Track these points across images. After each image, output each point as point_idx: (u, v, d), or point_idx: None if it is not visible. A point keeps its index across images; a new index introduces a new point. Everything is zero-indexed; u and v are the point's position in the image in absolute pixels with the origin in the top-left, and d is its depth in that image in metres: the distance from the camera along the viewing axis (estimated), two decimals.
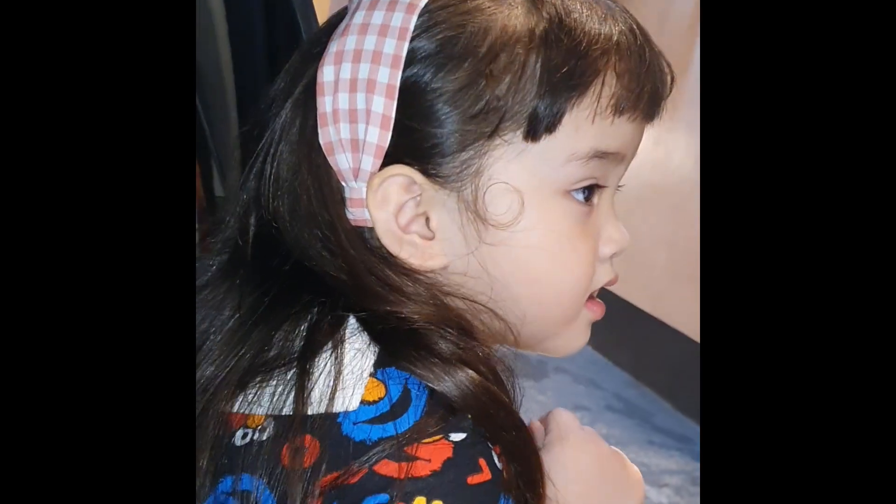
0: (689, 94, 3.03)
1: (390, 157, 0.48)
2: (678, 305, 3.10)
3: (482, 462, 0.43)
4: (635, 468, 0.61)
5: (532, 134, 0.47)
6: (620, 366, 3.40)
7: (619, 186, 0.55)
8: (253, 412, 0.46)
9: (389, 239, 0.49)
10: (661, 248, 3.17)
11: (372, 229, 0.49)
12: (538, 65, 0.46)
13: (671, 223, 3.12)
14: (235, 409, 0.46)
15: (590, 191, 0.50)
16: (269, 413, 0.45)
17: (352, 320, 0.47)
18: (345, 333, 0.47)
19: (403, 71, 0.47)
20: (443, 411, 0.44)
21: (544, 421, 0.58)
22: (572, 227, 0.50)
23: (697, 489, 2.57)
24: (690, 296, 3.04)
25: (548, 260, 0.50)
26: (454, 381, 0.44)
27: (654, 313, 3.22)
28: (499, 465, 0.44)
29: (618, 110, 0.48)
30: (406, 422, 0.43)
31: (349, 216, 0.49)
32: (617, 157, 0.51)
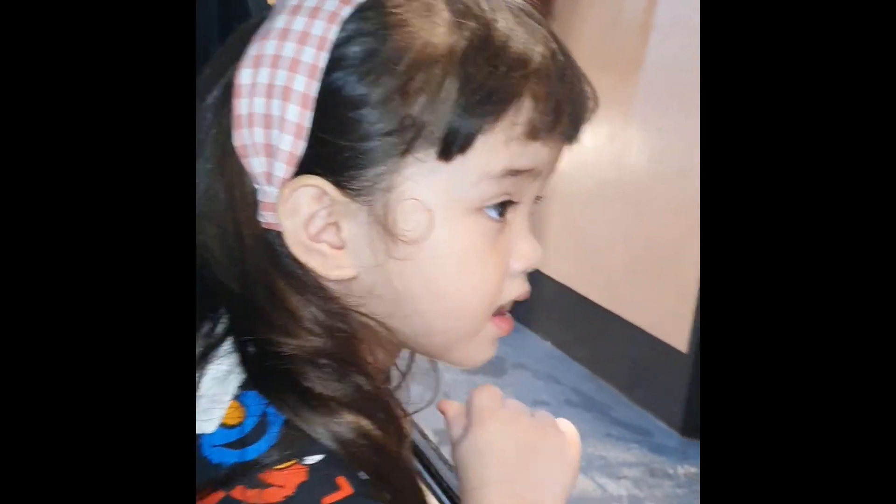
0: (644, 92, 3.07)
1: (304, 166, 0.48)
2: (635, 300, 3.14)
3: (340, 480, 0.43)
4: (567, 427, 0.61)
5: (445, 154, 0.47)
6: (579, 360, 3.44)
7: (537, 198, 0.55)
8: None
9: (298, 248, 0.48)
10: (618, 244, 3.20)
11: (281, 234, 0.49)
12: (455, 86, 0.46)
13: (627, 219, 3.16)
14: None
15: (503, 207, 0.50)
16: None
17: (227, 342, 0.48)
18: (216, 353, 0.47)
19: (325, 77, 0.47)
20: (297, 436, 0.44)
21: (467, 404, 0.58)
22: (482, 244, 0.50)
23: (656, 481, 2.60)
24: (647, 290, 3.08)
25: (454, 276, 0.50)
26: (327, 429, 0.45)
27: (611, 308, 3.25)
28: (365, 478, 0.44)
29: (532, 135, 0.49)
30: (260, 448, 0.43)
31: (261, 219, 0.49)
32: (532, 174, 0.51)
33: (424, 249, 0.48)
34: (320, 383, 0.46)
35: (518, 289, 0.54)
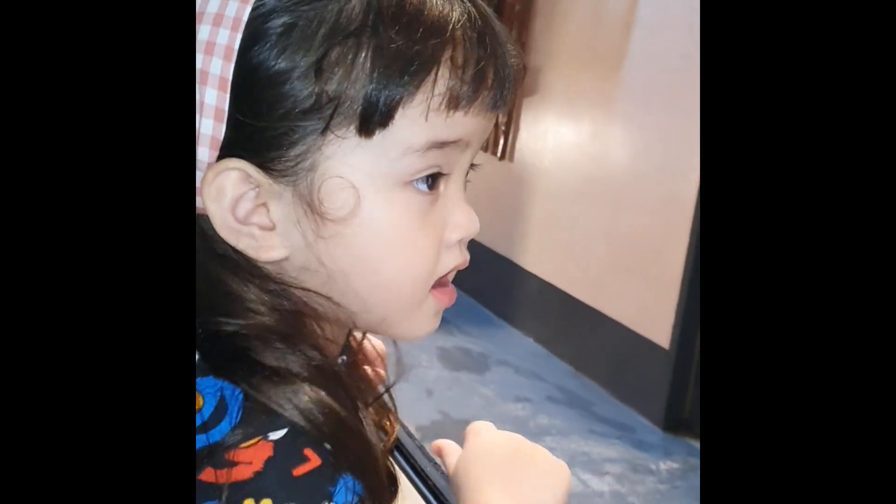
0: (626, 89, 3.07)
1: (226, 150, 0.48)
2: (617, 296, 3.15)
3: (308, 451, 0.43)
4: (560, 461, 0.61)
5: (365, 129, 0.47)
6: (562, 357, 3.44)
7: (473, 166, 0.55)
8: None
9: (226, 231, 0.48)
10: (600, 241, 3.21)
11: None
12: (369, 59, 0.46)
13: (609, 215, 3.17)
14: None
15: (433, 179, 0.50)
16: None
17: None
18: None
19: (241, 58, 0.46)
20: (258, 413, 0.44)
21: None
22: (413, 217, 0.50)
23: (638, 476, 2.62)
24: (629, 287, 3.09)
25: (387, 251, 0.50)
26: (287, 400, 0.45)
27: (593, 305, 3.26)
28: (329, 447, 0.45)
29: (454, 105, 0.48)
30: (222, 429, 0.43)
31: (197, 203, 0.49)
32: (459, 145, 0.50)
33: (354, 227, 0.49)
34: (272, 357, 0.47)
35: (455, 259, 0.54)
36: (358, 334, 0.67)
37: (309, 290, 0.50)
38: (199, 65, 0.47)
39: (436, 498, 0.79)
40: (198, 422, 0.44)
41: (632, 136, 3.04)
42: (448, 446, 0.62)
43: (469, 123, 0.50)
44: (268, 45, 0.46)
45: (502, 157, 3.77)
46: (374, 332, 0.59)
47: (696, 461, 2.65)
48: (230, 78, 0.46)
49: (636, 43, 3.02)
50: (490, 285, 3.95)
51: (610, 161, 3.14)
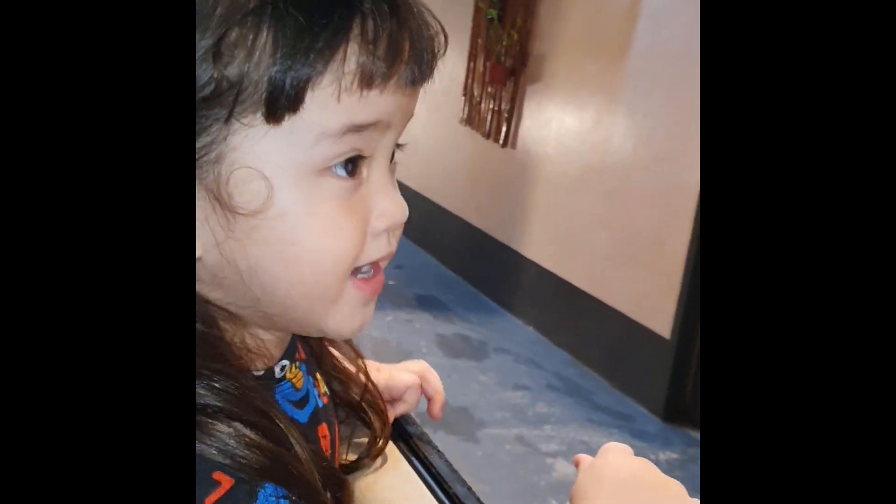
0: (630, 78, 3.06)
1: None
2: (616, 285, 3.14)
3: (217, 475, 0.42)
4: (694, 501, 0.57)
5: (272, 115, 0.44)
6: (560, 345, 3.44)
7: (399, 146, 0.52)
8: None
9: None
10: (600, 229, 3.21)
11: None
12: (270, 38, 0.43)
13: (610, 204, 3.16)
14: None
15: (353, 164, 0.47)
16: None
17: None
18: None
19: None
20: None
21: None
22: (333, 205, 0.47)
23: None
24: (628, 276, 3.08)
25: (305, 242, 0.47)
26: (210, 444, 0.43)
27: (593, 293, 3.26)
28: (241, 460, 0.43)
29: (367, 83, 0.45)
30: None
31: None
32: (379, 127, 0.47)
33: (268, 220, 0.46)
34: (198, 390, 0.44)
35: (381, 249, 0.51)
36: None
37: (219, 304, 0.48)
38: None
39: (438, 485, 0.79)
40: None
41: (635, 125, 3.03)
42: (584, 460, 0.60)
43: (387, 102, 0.47)
44: None
45: (504, 144, 3.76)
46: (305, 334, 0.56)
47: (696, 451, 2.65)
48: None
49: (641, 32, 3.00)
50: (490, 273, 3.94)
51: (613, 149, 3.13)
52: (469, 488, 0.78)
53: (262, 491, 0.42)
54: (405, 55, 0.46)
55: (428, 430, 0.91)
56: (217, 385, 0.45)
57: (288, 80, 0.43)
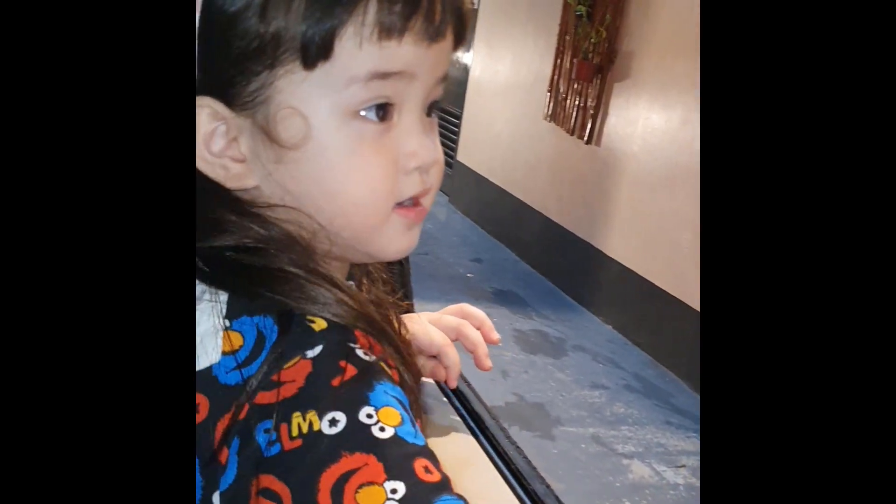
0: None
1: (200, 90, 0.53)
2: (699, 286, 3.08)
3: (343, 363, 0.47)
4: None
5: (307, 62, 0.51)
6: (640, 346, 3.40)
7: (437, 103, 0.58)
8: None
9: (202, 163, 0.54)
10: (686, 229, 3.15)
11: None
12: None
13: (696, 204, 3.10)
14: None
15: (383, 110, 0.54)
16: None
17: (198, 286, 0.52)
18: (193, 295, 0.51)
19: (207, 7, 0.51)
20: (293, 337, 0.48)
21: None
22: (364, 144, 0.53)
23: None
24: None
25: (340, 175, 0.54)
26: (319, 298, 0.50)
27: (675, 294, 3.21)
28: (366, 357, 0.49)
29: (386, 34, 0.51)
30: (266, 357, 0.48)
31: None
32: (404, 77, 0.53)
33: (308, 153, 0.53)
34: (284, 262, 0.52)
35: (415, 185, 0.57)
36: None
37: (289, 208, 0.55)
38: None
39: (517, 481, 0.80)
40: (242, 356, 0.48)
41: None
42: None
43: (407, 54, 0.53)
44: None
45: (588, 141, 3.72)
46: (358, 258, 0.62)
47: None
48: (198, 26, 0.52)
49: None
50: (570, 269, 3.92)
51: (698, 148, 3.07)
52: (548, 486, 0.78)
53: (380, 385, 0.47)
54: (421, 12, 0.52)
55: (505, 425, 0.92)
56: (307, 263, 0.53)
57: (317, 33, 0.50)
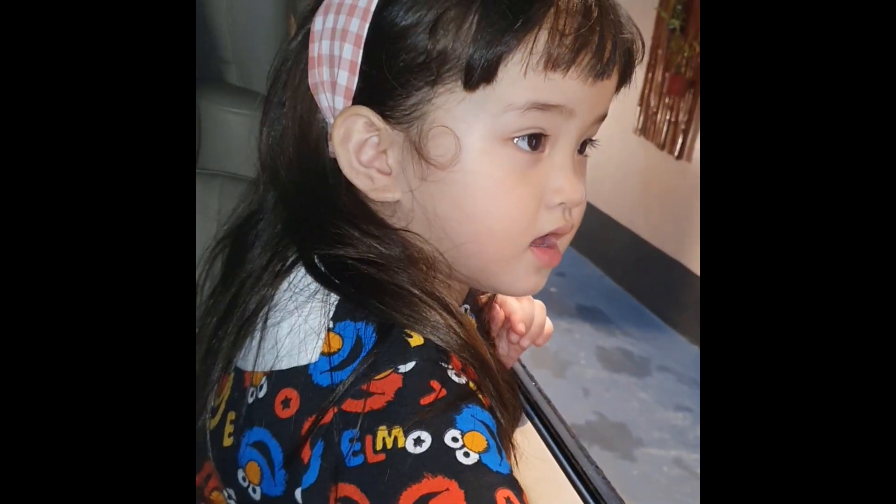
0: None
1: (357, 99, 0.54)
2: None
3: (433, 383, 0.47)
4: None
5: (469, 83, 0.51)
6: None
7: (591, 142, 0.58)
8: (255, 370, 0.52)
9: (349, 170, 0.55)
10: None
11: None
12: (476, 19, 0.50)
13: None
14: (249, 367, 0.53)
15: (537, 140, 0.53)
16: (263, 371, 0.52)
17: (309, 284, 0.53)
18: (304, 292, 0.53)
19: (374, 19, 0.52)
20: (389, 350, 0.48)
21: None
22: (511, 172, 0.53)
23: None
24: None
25: (483, 200, 0.53)
26: (425, 323, 0.50)
27: None
28: (458, 379, 0.48)
29: (551, 65, 0.51)
30: (359, 364, 0.48)
31: (329, 149, 0.56)
32: (563, 111, 0.53)
33: (455, 173, 0.53)
34: (399, 278, 0.52)
35: (556, 222, 0.56)
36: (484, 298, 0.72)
37: (414, 233, 0.55)
38: (341, 24, 0.53)
39: (594, 499, 0.78)
40: (339, 359, 0.49)
41: None
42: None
43: (570, 88, 0.52)
44: (398, 5, 0.52)
45: (679, 156, 3.65)
46: (480, 287, 0.62)
47: None
48: (364, 35, 0.52)
49: None
50: (656, 287, 3.84)
51: None
52: None
53: (468, 409, 0.47)
54: (591, 48, 0.52)
55: (584, 444, 0.90)
56: (425, 285, 0.53)
57: (485, 55, 0.50)
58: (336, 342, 0.50)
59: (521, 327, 0.78)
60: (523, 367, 1.08)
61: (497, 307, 0.78)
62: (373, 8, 0.52)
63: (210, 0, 1.20)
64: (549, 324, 0.82)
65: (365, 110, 0.53)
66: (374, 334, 0.49)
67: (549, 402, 1.02)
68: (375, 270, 0.52)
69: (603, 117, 0.57)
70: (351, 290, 0.52)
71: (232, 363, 0.55)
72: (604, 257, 4.36)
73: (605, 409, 2.85)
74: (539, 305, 0.82)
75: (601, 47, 0.52)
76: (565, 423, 0.94)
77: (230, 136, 1.10)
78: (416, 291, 0.51)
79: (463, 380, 0.48)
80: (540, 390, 1.04)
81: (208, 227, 1.04)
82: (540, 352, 3.16)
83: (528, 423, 0.95)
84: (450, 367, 0.49)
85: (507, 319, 0.78)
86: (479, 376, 0.50)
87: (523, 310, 0.80)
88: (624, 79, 0.56)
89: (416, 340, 0.49)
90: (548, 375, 3.06)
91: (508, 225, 0.54)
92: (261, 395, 0.51)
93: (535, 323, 0.80)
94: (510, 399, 0.53)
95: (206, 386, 0.56)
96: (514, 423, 0.55)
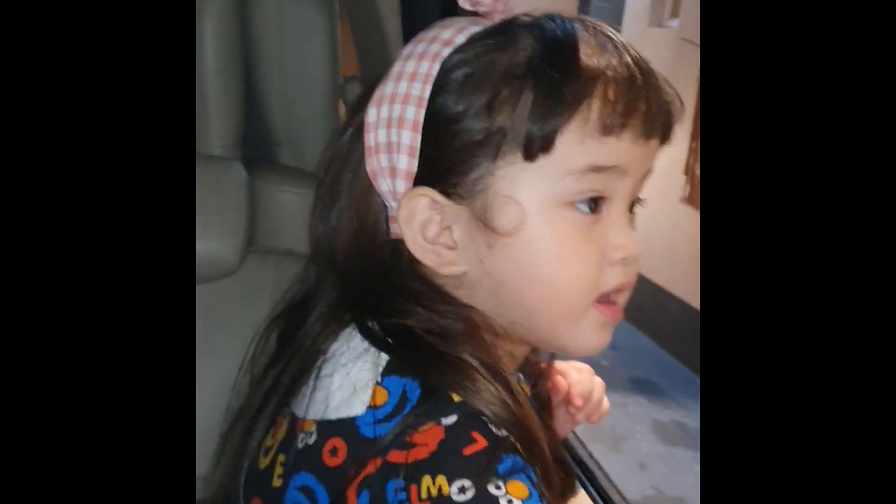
0: None
1: (418, 180, 0.56)
2: None
3: (475, 434, 0.48)
4: None
5: (528, 155, 0.53)
6: None
7: (639, 200, 0.60)
8: (307, 417, 0.55)
9: (416, 249, 0.57)
10: None
11: (403, 242, 0.57)
12: (531, 95, 0.53)
13: None
14: (302, 414, 0.55)
15: (595, 202, 0.56)
16: (314, 419, 0.54)
17: (362, 341, 0.55)
18: (357, 349, 0.55)
19: (429, 104, 0.55)
20: (432, 403, 0.50)
21: None
22: (574, 234, 0.55)
23: None
24: None
25: (548, 262, 0.55)
26: (472, 391, 0.51)
27: None
28: (499, 433, 0.49)
29: (605, 131, 0.54)
30: (404, 418, 0.50)
31: (392, 230, 0.58)
32: (617, 171, 0.56)
33: (520, 240, 0.55)
34: (453, 349, 0.53)
35: (618, 277, 0.58)
36: (544, 364, 0.73)
37: (479, 309, 0.57)
38: (396, 113, 0.56)
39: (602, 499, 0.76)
40: (385, 412, 0.51)
41: None
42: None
43: (623, 150, 0.55)
44: (450, 91, 0.55)
45: None
46: (546, 348, 0.64)
47: None
48: (421, 121, 0.55)
49: None
50: None
51: None
52: None
53: (510, 459, 0.48)
54: (640, 111, 0.55)
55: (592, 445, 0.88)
56: (478, 354, 0.54)
57: (541, 129, 0.53)
58: (382, 396, 0.52)
59: (579, 401, 0.79)
60: (579, 439, 1.07)
61: (559, 377, 0.78)
62: (427, 96, 0.55)
63: (263, 87, 1.25)
64: (606, 402, 0.82)
65: (427, 190, 0.56)
66: (418, 389, 0.51)
67: (606, 475, 1.00)
68: (438, 340, 0.54)
69: (650, 172, 0.60)
70: (406, 353, 0.53)
71: (287, 407, 0.57)
72: (656, 328, 4.30)
73: (662, 483, 2.78)
74: (598, 382, 0.82)
75: (648, 110, 0.56)
76: (624, 497, 0.92)
77: (283, 214, 1.12)
78: (475, 363, 0.53)
79: (504, 433, 0.50)
80: (596, 462, 1.03)
81: (263, 303, 1.06)
82: (594, 426, 3.10)
83: (582, 491, 0.94)
84: (491, 421, 0.50)
85: (567, 391, 0.78)
86: (527, 454, 0.51)
87: (582, 383, 0.80)
88: (666, 136, 0.59)
89: (458, 397, 0.50)
90: (603, 450, 3.00)
91: (575, 284, 0.56)
92: (310, 441, 0.53)
93: (592, 399, 0.81)
94: (557, 478, 0.54)
95: (259, 427, 0.59)
96: (563, 500, 0.56)
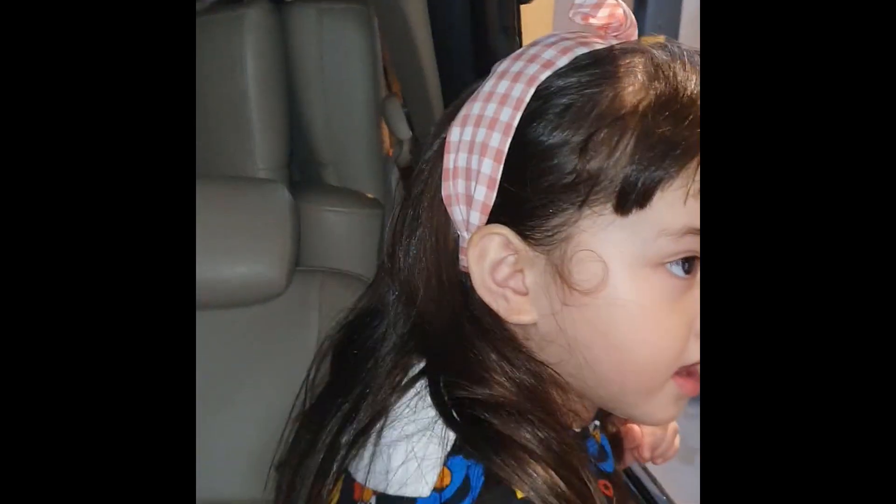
0: None
1: (493, 215, 0.50)
2: None
3: None
4: None
5: (621, 208, 0.47)
6: None
7: None
8: (366, 485, 0.51)
9: (483, 290, 0.51)
10: None
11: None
12: (634, 141, 0.47)
13: None
14: (361, 479, 0.51)
15: (690, 263, 0.49)
16: (374, 489, 0.50)
17: (430, 409, 0.50)
18: (423, 419, 0.50)
19: (518, 134, 0.49)
20: (494, 495, 0.46)
21: None
22: (663, 300, 0.49)
23: None
24: None
25: (631, 330, 0.49)
26: (526, 480, 0.46)
27: None
28: None
29: None
30: None
31: (461, 262, 0.53)
32: None
33: (600, 300, 0.49)
34: (511, 430, 0.48)
35: (699, 350, 0.51)
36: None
37: (547, 365, 0.52)
38: (480, 138, 0.51)
39: None
40: (444, 497, 0.47)
41: None
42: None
43: None
44: (544, 122, 0.48)
45: None
46: (612, 412, 0.57)
47: None
48: (506, 151, 0.49)
49: None
50: None
51: None
52: None
53: None
54: None
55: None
56: (541, 434, 0.49)
57: (642, 180, 0.47)
58: (446, 477, 0.47)
59: (647, 454, 0.75)
60: (643, 468, 1.03)
61: (635, 426, 0.74)
62: (515, 123, 0.49)
63: (305, 108, 1.25)
64: (677, 441, 0.78)
65: (503, 229, 0.50)
66: (482, 477, 0.47)
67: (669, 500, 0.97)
68: (499, 421, 0.49)
69: None
70: (473, 437, 0.49)
71: (344, 466, 0.54)
72: None
73: None
74: (672, 427, 0.78)
75: None
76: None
77: (328, 233, 1.13)
78: (540, 451, 0.48)
79: None
80: (659, 487, 0.99)
81: (311, 322, 1.06)
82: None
83: None
84: None
85: (640, 442, 0.75)
86: None
87: (655, 434, 0.76)
88: None
89: (521, 493, 0.46)
90: (674, 462, 2.90)
91: (657, 357, 0.50)
92: None
93: (664, 443, 0.77)
94: None
95: (319, 482, 0.55)
96: None
